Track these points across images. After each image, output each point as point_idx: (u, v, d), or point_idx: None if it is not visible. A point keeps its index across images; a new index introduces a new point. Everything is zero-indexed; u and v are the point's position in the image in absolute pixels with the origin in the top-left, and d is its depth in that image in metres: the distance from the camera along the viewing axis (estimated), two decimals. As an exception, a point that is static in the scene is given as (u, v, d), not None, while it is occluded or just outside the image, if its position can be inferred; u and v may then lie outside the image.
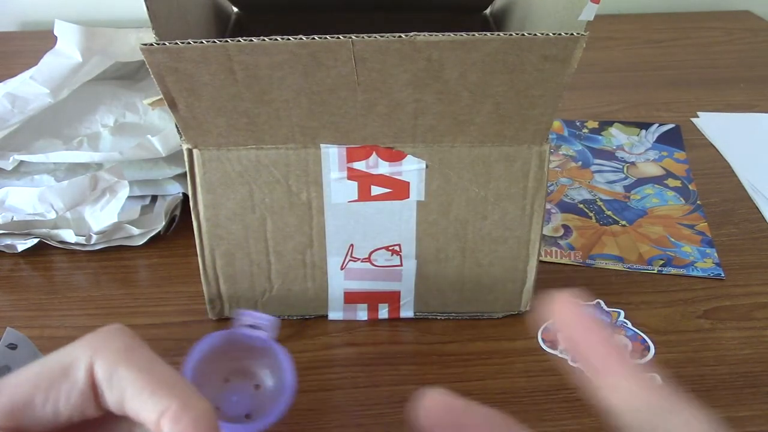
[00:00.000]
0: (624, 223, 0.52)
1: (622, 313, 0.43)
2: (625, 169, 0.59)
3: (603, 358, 0.19)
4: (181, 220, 0.51)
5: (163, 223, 0.49)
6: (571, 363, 0.39)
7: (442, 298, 0.42)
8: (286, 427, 0.34)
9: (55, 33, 0.54)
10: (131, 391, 0.19)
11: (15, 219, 0.47)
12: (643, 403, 0.18)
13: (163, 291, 0.45)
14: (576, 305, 0.20)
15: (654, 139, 0.63)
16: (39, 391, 0.19)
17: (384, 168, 0.37)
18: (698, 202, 0.54)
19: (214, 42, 0.30)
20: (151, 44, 0.30)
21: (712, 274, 0.46)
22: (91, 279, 0.47)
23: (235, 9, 0.50)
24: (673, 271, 0.47)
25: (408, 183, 0.37)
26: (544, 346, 0.41)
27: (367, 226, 0.38)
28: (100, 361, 0.19)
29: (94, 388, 0.19)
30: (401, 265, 0.40)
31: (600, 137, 0.63)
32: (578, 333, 0.19)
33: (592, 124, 0.65)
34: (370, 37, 0.30)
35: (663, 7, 0.94)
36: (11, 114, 0.51)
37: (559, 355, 0.40)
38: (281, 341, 0.35)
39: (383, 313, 0.42)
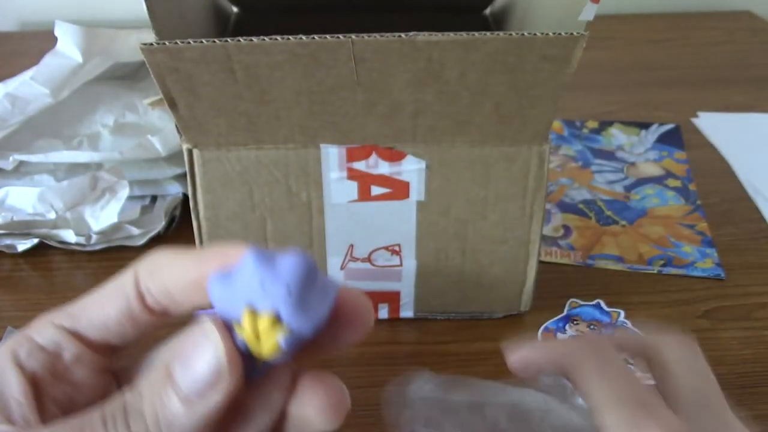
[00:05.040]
0: (624, 223, 0.52)
1: (623, 313, 0.43)
2: (625, 169, 0.59)
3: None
4: (181, 220, 0.51)
5: (163, 223, 0.49)
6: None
7: (442, 298, 0.42)
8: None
9: (56, 34, 0.54)
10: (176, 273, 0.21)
11: (15, 219, 0.47)
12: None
13: (163, 291, 0.45)
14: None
15: (654, 139, 0.63)
16: (93, 300, 0.21)
17: (384, 168, 0.37)
18: (698, 202, 0.54)
19: (214, 42, 0.30)
20: (151, 44, 0.30)
21: (712, 275, 0.46)
22: (91, 279, 0.47)
23: (235, 9, 0.50)
24: (674, 271, 0.47)
25: (408, 183, 0.37)
26: (544, 346, 0.41)
27: (367, 226, 0.38)
28: (142, 267, 0.22)
29: (139, 292, 0.21)
30: (401, 265, 0.40)
31: (600, 137, 0.63)
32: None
33: (592, 124, 0.65)
34: (370, 36, 0.30)
35: (663, 7, 0.94)
36: (11, 114, 0.51)
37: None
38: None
39: (383, 313, 0.42)
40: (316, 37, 0.30)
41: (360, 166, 0.36)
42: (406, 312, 0.42)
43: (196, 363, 0.18)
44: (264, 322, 0.18)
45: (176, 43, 0.30)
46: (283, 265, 0.18)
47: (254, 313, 0.18)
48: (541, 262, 0.41)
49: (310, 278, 0.19)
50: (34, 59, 0.54)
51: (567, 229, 0.51)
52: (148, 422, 0.18)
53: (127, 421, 0.18)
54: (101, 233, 0.48)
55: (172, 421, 0.18)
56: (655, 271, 0.47)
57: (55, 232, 0.48)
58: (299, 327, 0.18)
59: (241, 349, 0.19)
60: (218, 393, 0.18)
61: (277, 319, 0.18)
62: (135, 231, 0.48)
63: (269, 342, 0.18)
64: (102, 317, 0.21)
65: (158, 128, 0.54)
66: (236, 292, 0.19)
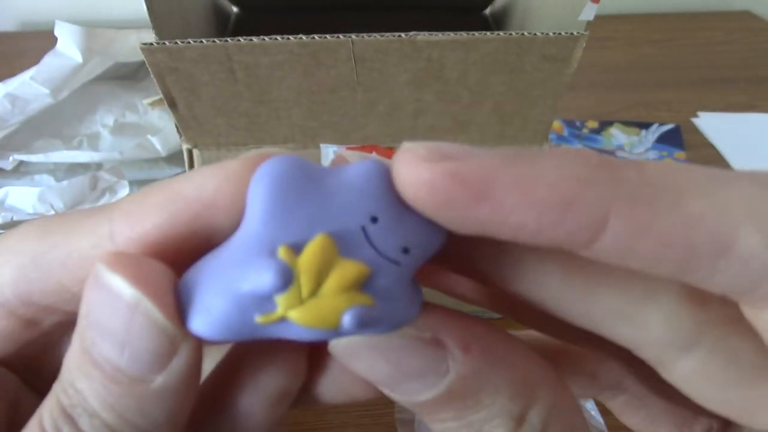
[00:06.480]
0: (624, 223, 0.52)
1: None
2: (625, 169, 0.59)
3: None
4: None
5: (163, 223, 0.49)
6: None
7: (443, 298, 0.42)
8: (285, 428, 0.34)
9: (56, 34, 0.54)
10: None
11: (15, 219, 0.47)
12: None
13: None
14: None
15: (654, 139, 0.63)
16: None
17: (384, 168, 0.37)
18: (698, 202, 0.54)
19: (214, 41, 0.30)
20: (151, 44, 0.30)
21: (712, 274, 0.46)
22: (91, 279, 0.46)
23: (235, 9, 0.50)
24: (673, 271, 0.47)
25: (408, 183, 0.37)
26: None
27: (367, 226, 0.38)
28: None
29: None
30: (401, 265, 0.40)
31: (600, 137, 0.63)
32: None
33: (592, 124, 0.65)
34: (370, 36, 0.30)
35: (663, 7, 0.94)
36: (11, 114, 0.51)
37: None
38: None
39: (383, 313, 0.42)
40: (316, 37, 0.30)
41: (360, 166, 0.36)
42: (406, 312, 0.42)
43: (106, 322, 0.12)
44: (342, 274, 0.11)
45: (176, 43, 0.30)
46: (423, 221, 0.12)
47: (328, 250, 0.11)
48: (541, 262, 0.41)
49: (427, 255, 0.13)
50: (34, 59, 0.54)
51: (567, 229, 0.51)
52: (104, 417, 0.12)
53: (76, 427, 0.12)
54: (101, 233, 0.48)
55: (127, 407, 0.12)
56: (655, 271, 0.47)
57: (55, 232, 0.48)
58: (387, 311, 0.12)
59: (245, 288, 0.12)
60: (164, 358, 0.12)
61: (362, 280, 0.11)
62: (135, 231, 0.48)
63: (325, 307, 0.11)
64: None
65: (158, 128, 0.54)
66: (310, 207, 0.12)
